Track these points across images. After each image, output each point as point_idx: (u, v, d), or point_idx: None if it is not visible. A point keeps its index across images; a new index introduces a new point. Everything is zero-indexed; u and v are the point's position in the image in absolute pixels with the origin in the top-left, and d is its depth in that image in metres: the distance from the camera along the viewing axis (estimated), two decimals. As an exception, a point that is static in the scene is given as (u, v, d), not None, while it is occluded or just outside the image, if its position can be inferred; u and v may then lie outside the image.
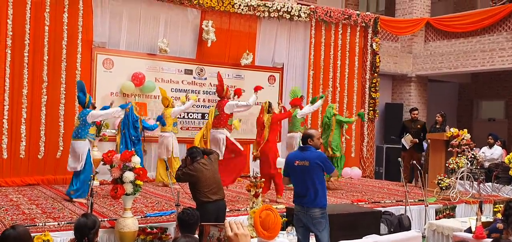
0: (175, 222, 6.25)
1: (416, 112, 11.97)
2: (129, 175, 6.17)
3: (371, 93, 13.77)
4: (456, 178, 9.64)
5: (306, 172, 5.58)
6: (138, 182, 6.24)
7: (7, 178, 9.61)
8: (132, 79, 10.94)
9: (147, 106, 11.13)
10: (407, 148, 11.59)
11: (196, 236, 4.68)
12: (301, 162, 5.62)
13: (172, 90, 11.47)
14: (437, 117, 11.55)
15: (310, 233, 5.68)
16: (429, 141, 11.23)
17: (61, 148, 10.04)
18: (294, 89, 11.19)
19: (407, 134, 11.71)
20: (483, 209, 6.37)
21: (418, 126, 11.66)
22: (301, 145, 5.87)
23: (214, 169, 6.22)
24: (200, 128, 11.34)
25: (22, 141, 9.75)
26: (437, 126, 11.43)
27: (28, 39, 9.78)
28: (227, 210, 7.17)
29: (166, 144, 9.91)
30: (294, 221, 5.83)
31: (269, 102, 9.27)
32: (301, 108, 10.54)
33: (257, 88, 9.32)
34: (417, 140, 11.50)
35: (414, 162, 9.65)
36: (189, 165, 6.13)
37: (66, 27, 10.14)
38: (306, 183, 5.58)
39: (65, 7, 10.09)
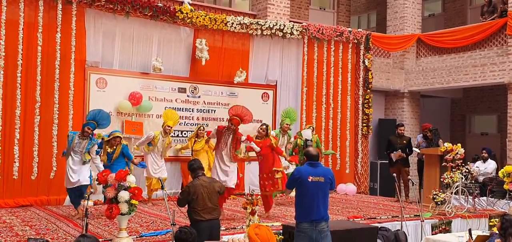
0: (170, 241, 6.20)
1: (402, 128, 12.01)
2: (124, 195, 6.14)
3: (365, 109, 13.80)
4: (451, 193, 9.65)
5: (320, 188, 5.73)
6: (134, 201, 6.21)
7: (0, 199, 9.51)
8: (129, 99, 10.90)
9: (143, 126, 11.08)
10: (394, 160, 11.65)
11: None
12: (316, 177, 5.73)
13: (166, 108, 11.44)
14: (426, 134, 11.69)
15: None
16: (423, 155, 11.27)
17: (55, 168, 9.94)
18: (289, 112, 10.73)
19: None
20: (472, 236, 6.49)
21: (404, 142, 11.68)
22: (310, 161, 5.90)
23: (211, 190, 6.20)
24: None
25: (15, 162, 9.64)
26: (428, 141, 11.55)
27: (21, 59, 9.73)
28: (223, 228, 7.14)
29: None
30: (299, 240, 5.80)
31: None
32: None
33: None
34: (404, 154, 11.53)
35: (410, 177, 9.65)
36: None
37: (59, 47, 10.09)
38: (318, 198, 5.71)
39: (58, 27, 10.06)
